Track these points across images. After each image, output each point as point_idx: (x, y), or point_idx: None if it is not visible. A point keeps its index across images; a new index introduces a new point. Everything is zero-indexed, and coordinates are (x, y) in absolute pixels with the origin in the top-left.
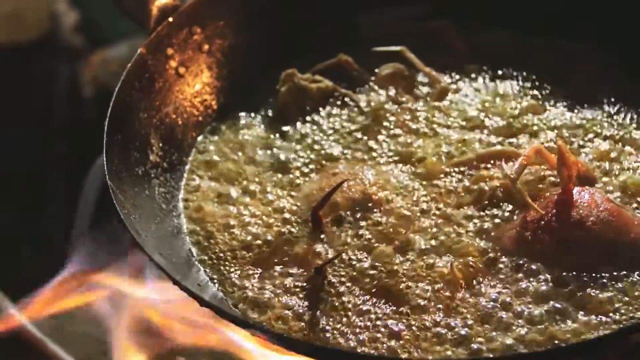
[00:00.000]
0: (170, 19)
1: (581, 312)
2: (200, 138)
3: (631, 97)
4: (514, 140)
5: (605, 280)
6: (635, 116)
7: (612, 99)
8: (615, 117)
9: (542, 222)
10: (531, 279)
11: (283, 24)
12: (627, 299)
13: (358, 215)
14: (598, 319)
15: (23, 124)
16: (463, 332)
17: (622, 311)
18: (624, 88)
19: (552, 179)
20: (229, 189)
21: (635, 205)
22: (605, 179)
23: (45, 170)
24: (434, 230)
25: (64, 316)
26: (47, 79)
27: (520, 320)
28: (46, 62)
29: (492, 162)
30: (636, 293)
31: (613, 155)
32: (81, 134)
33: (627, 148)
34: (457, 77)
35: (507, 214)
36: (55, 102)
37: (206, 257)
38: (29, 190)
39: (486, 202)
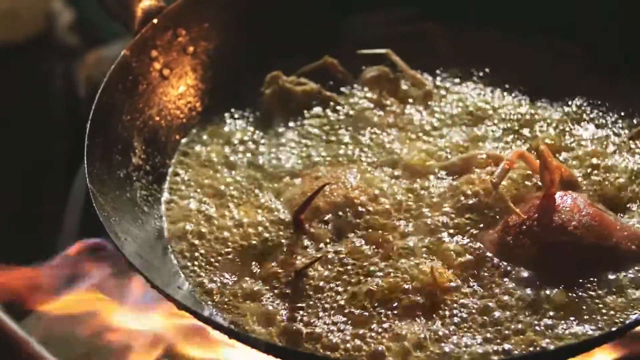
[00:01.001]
0: (155, 21)
1: (561, 317)
2: (184, 140)
3: (614, 98)
4: (498, 143)
5: (586, 286)
6: (616, 116)
7: (596, 100)
8: (598, 118)
9: (524, 227)
10: (512, 284)
11: (268, 26)
12: (607, 304)
13: (340, 219)
14: (578, 325)
15: (19, 122)
16: (443, 337)
17: (603, 317)
18: (609, 88)
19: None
20: (212, 192)
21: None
22: (585, 180)
23: (41, 169)
24: (416, 233)
25: (49, 316)
26: (43, 78)
27: (500, 326)
28: (42, 61)
29: (475, 165)
30: (618, 299)
31: (595, 155)
32: (77, 133)
33: (610, 148)
34: (443, 79)
35: (489, 218)
36: (51, 101)
37: (187, 261)
38: (25, 188)
39: (469, 206)
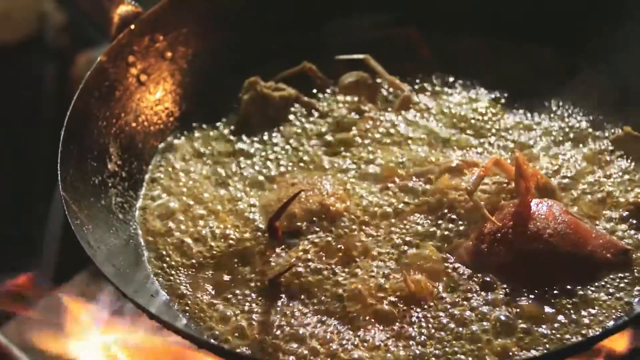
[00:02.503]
0: (132, 27)
1: (534, 326)
2: (161, 146)
3: (593, 105)
4: (476, 149)
5: (561, 294)
6: (595, 123)
7: (575, 107)
8: (575, 125)
9: (499, 234)
10: (486, 292)
11: (247, 32)
12: (582, 313)
13: (315, 226)
14: (553, 334)
15: (9, 123)
16: (417, 345)
17: (578, 325)
18: (587, 94)
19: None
20: (188, 199)
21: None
22: (561, 187)
23: (31, 169)
24: (391, 241)
25: (29, 322)
26: (34, 79)
27: (473, 334)
28: (33, 62)
29: (451, 172)
30: (593, 308)
31: (572, 162)
32: None
33: (588, 154)
34: (422, 85)
35: (464, 225)
36: (43, 102)
37: (161, 268)
38: (15, 189)
39: (444, 213)
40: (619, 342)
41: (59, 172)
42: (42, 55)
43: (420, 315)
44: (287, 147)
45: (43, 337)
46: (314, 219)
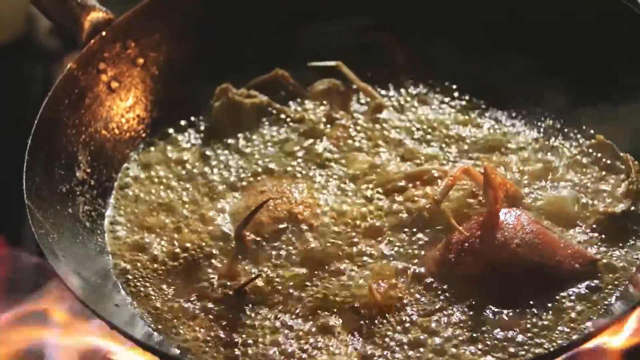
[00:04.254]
0: (104, 33)
1: (503, 338)
2: (132, 153)
3: (566, 113)
4: (447, 157)
5: (528, 305)
6: (569, 132)
7: (549, 114)
8: (548, 131)
9: (467, 244)
10: (453, 304)
11: (219, 38)
12: (548, 324)
13: (282, 235)
14: (517, 344)
15: None
16: (382, 357)
17: (544, 337)
18: (561, 103)
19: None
20: (157, 206)
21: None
22: (531, 196)
23: (19, 171)
24: (358, 251)
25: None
26: (23, 81)
27: (438, 345)
28: (21, 64)
29: (421, 181)
30: (559, 319)
31: (543, 171)
32: None
33: (559, 164)
34: (395, 91)
35: (432, 235)
36: (31, 105)
37: (127, 277)
38: (1, 190)
39: (412, 222)
40: None
41: (24, 181)
42: (30, 56)
43: (385, 324)
44: (258, 154)
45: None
46: (282, 227)
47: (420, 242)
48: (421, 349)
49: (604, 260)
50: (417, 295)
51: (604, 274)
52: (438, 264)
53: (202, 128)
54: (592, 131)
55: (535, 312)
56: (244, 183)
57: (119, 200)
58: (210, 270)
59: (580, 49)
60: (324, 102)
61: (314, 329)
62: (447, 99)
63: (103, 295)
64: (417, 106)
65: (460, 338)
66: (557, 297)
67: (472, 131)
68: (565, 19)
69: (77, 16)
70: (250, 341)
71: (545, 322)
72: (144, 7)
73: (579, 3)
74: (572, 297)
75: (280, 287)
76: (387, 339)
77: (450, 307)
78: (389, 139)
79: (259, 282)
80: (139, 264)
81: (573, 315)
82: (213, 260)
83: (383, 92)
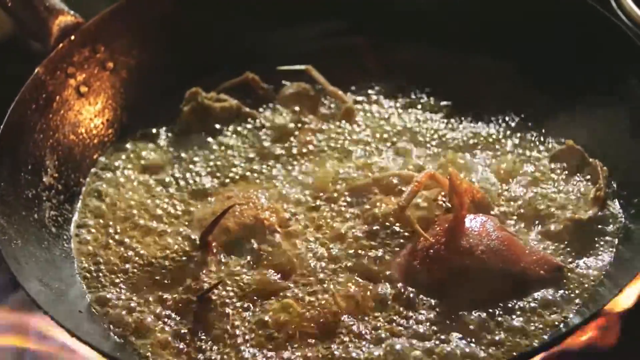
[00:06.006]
0: (72, 37)
1: (466, 345)
2: (101, 158)
3: (537, 118)
4: (415, 162)
5: (492, 311)
6: (539, 137)
7: (521, 118)
8: (518, 136)
9: (431, 251)
10: (417, 310)
11: (190, 42)
12: (512, 330)
13: (248, 241)
14: (483, 351)
15: None
16: None
17: (508, 343)
18: (533, 108)
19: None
20: (124, 212)
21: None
22: (500, 199)
23: None
24: (323, 256)
25: None
26: (11, 82)
27: (401, 352)
28: (10, 65)
29: (387, 186)
30: (523, 325)
31: (511, 177)
32: None
33: (528, 169)
34: (367, 96)
35: (397, 241)
36: None
37: (93, 282)
38: None
39: (378, 228)
40: None
41: None
42: (18, 57)
43: (349, 332)
44: (226, 159)
45: None
46: (248, 233)
47: (386, 248)
48: (385, 356)
49: (570, 266)
50: (381, 303)
51: (569, 280)
52: (403, 271)
53: (171, 133)
54: (562, 137)
55: (500, 319)
56: (211, 188)
57: (86, 206)
58: (176, 276)
59: (553, 55)
60: (294, 106)
61: (278, 336)
62: (416, 102)
63: (66, 302)
64: (387, 110)
65: (422, 344)
66: (520, 303)
67: (442, 134)
68: (539, 24)
69: (45, 20)
70: (214, 347)
71: (508, 328)
72: (114, 11)
73: (553, 9)
74: (537, 303)
75: (244, 293)
76: (349, 347)
77: (414, 314)
78: (358, 143)
79: (224, 288)
80: (104, 270)
81: (537, 321)
82: (178, 267)
83: (353, 96)
